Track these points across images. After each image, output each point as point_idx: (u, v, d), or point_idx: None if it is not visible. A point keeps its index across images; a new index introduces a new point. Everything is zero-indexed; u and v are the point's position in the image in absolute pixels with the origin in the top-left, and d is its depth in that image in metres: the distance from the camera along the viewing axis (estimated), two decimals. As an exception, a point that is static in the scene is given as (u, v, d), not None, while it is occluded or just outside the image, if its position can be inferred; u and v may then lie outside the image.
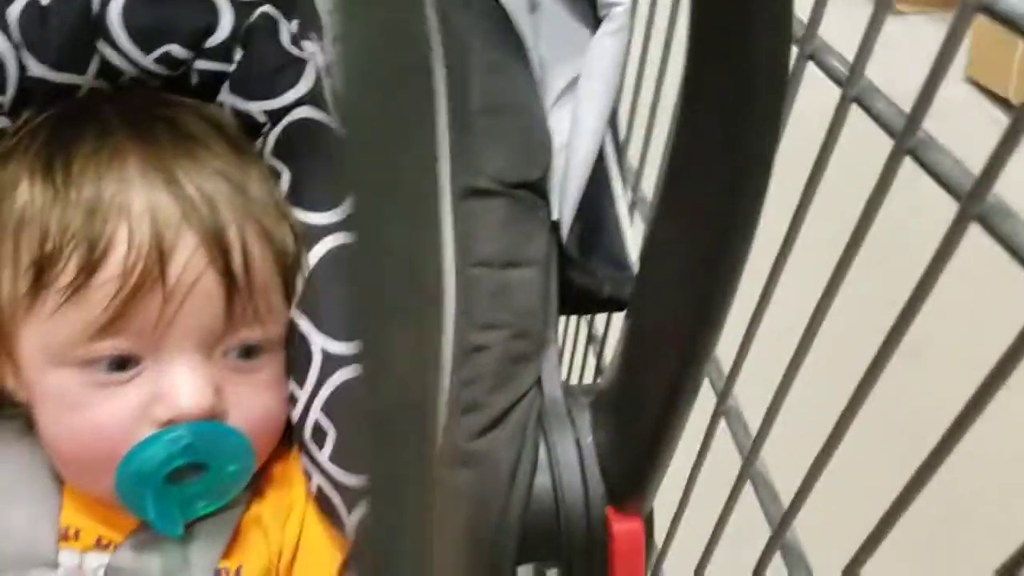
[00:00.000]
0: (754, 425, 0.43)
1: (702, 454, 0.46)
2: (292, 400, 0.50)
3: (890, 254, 0.59)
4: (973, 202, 0.27)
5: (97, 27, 0.48)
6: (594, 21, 0.50)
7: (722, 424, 0.46)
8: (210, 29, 0.50)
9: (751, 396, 0.45)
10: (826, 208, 0.40)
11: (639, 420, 0.45)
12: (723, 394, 0.45)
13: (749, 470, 0.41)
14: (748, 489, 0.43)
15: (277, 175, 0.51)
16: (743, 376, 0.44)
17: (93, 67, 0.50)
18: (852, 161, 0.44)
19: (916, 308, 0.31)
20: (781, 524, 0.38)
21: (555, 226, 0.50)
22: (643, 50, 0.58)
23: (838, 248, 0.36)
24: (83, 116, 0.48)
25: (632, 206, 0.61)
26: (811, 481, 0.36)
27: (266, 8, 0.51)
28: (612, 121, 0.53)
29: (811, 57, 0.36)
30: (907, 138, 0.30)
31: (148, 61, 0.50)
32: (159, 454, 0.43)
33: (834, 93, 0.36)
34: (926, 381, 0.84)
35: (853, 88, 0.33)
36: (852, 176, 0.48)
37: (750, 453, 0.41)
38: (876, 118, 0.31)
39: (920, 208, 0.61)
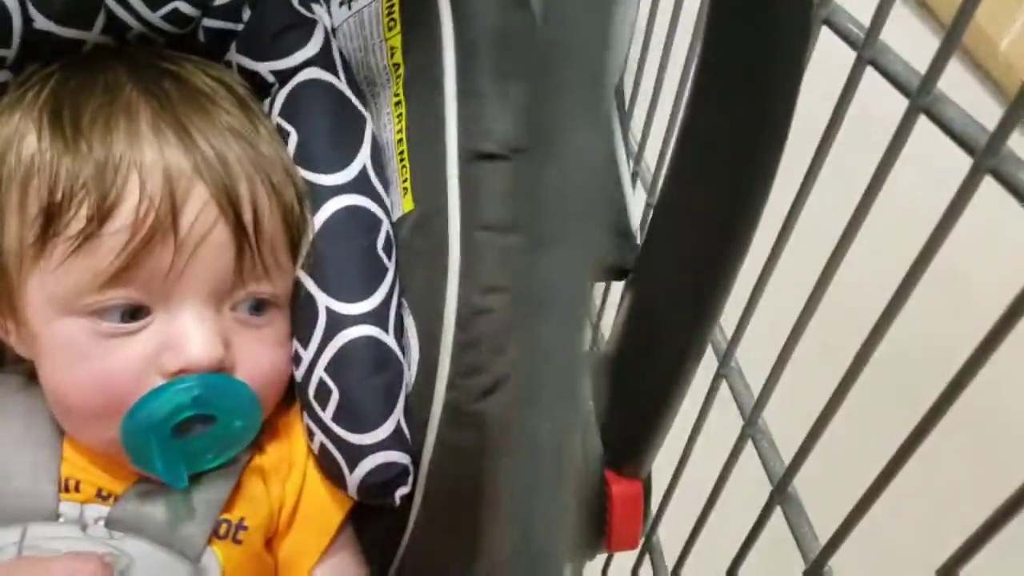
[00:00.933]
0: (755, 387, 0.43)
1: (702, 416, 0.46)
2: (296, 359, 0.50)
3: (899, 213, 0.59)
4: (987, 156, 0.27)
5: None
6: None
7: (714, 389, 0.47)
8: None
9: (751, 359, 0.46)
10: (835, 171, 0.41)
11: (641, 385, 0.45)
12: (725, 356, 0.46)
13: (752, 429, 0.42)
14: (748, 452, 0.43)
15: (285, 135, 0.51)
16: (744, 338, 0.45)
17: (99, 22, 0.49)
18: (859, 125, 0.45)
19: (925, 265, 0.32)
20: (783, 479, 0.39)
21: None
22: (648, 22, 0.58)
23: (846, 210, 0.37)
24: (90, 69, 0.48)
25: (633, 176, 0.61)
26: (813, 439, 0.37)
27: None
28: (617, 91, 0.53)
29: (826, 21, 0.37)
30: (922, 96, 0.30)
31: (155, 17, 0.50)
32: (167, 404, 0.43)
33: (840, 57, 0.36)
34: (928, 342, 0.85)
35: (869, 50, 0.33)
36: (861, 139, 0.48)
37: (752, 412, 0.42)
38: (891, 78, 0.32)
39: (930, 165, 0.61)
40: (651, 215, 0.45)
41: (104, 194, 0.43)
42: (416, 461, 0.50)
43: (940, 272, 0.34)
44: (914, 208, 0.61)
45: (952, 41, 0.29)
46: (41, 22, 0.48)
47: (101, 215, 0.43)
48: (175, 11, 0.50)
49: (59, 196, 0.43)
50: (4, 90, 0.49)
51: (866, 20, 0.34)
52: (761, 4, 0.35)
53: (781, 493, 0.39)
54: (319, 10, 0.53)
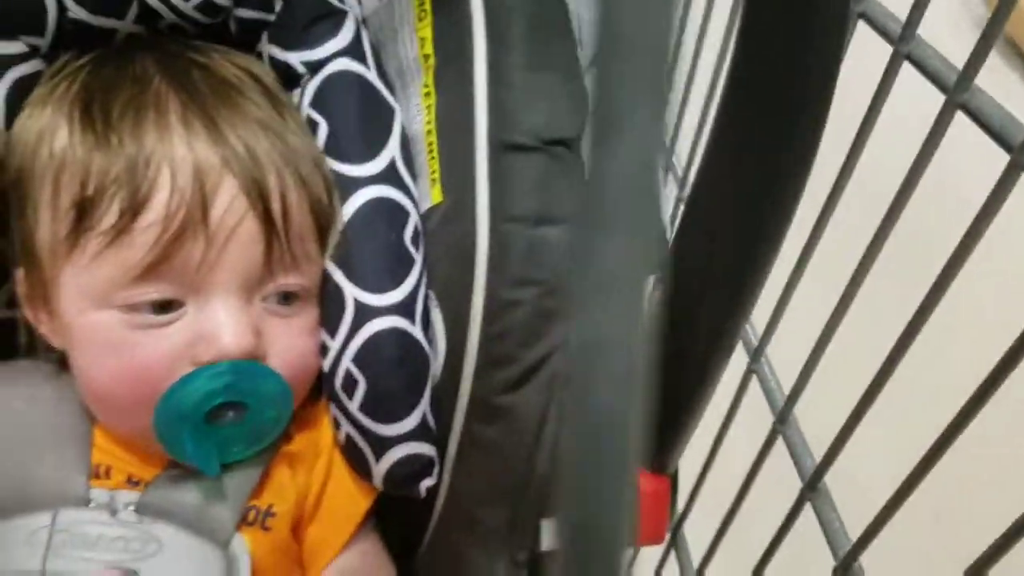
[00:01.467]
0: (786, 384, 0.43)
1: (732, 412, 0.46)
2: (323, 350, 0.50)
3: (933, 214, 0.58)
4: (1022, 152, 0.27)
5: None
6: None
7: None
8: None
9: (782, 355, 0.46)
10: (871, 167, 0.40)
11: (669, 381, 0.45)
12: (757, 351, 0.45)
13: (783, 426, 0.42)
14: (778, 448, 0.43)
15: (315, 126, 0.51)
16: (776, 334, 0.44)
17: (132, 11, 0.50)
18: (895, 124, 0.44)
19: (959, 266, 0.32)
20: (814, 475, 0.38)
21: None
22: (683, 16, 0.58)
23: (877, 209, 0.36)
24: (120, 61, 0.49)
25: (664, 170, 0.61)
26: (846, 435, 0.37)
27: None
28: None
29: (862, 15, 0.36)
30: (959, 92, 0.30)
31: (188, 7, 0.50)
32: (199, 391, 0.43)
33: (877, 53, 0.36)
34: (960, 344, 0.83)
35: (907, 45, 0.33)
36: (897, 135, 0.48)
37: (784, 408, 0.41)
38: (929, 74, 0.31)
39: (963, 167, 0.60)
40: (682, 210, 0.45)
41: (135, 189, 0.43)
42: (441, 453, 0.50)
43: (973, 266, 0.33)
44: (949, 203, 0.60)
45: (991, 34, 0.29)
46: (75, 10, 0.48)
47: (133, 210, 0.43)
48: (207, 0, 0.50)
49: (91, 191, 0.44)
50: (37, 80, 0.50)
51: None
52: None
53: (812, 489, 0.39)
54: (350, 0, 0.53)
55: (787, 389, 0.42)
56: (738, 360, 0.45)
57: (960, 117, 0.31)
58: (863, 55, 0.39)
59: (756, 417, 0.45)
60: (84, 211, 0.44)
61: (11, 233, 0.49)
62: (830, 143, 0.37)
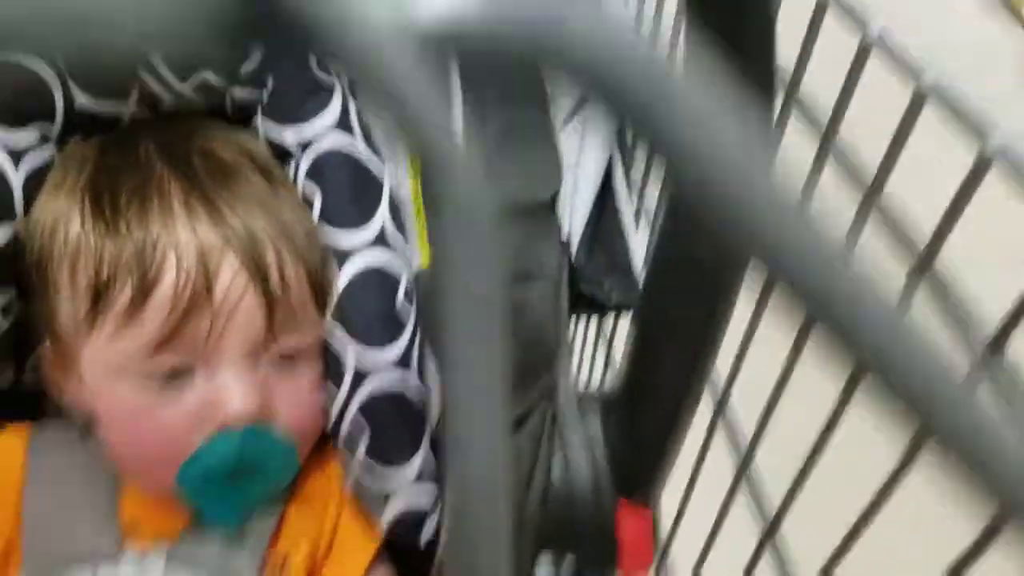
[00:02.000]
0: (751, 420, 0.47)
1: (702, 456, 0.50)
2: (329, 401, 0.54)
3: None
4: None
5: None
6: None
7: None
8: (243, 56, 0.53)
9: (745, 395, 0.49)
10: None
11: (647, 417, 0.49)
12: (720, 403, 0.49)
13: (744, 472, 0.45)
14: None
15: (310, 197, 0.54)
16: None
17: (134, 95, 0.53)
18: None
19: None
20: (771, 525, 0.42)
21: (565, 244, 0.54)
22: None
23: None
24: (125, 148, 0.52)
25: (636, 214, 0.64)
26: (800, 482, 0.41)
27: None
28: (619, 133, 0.56)
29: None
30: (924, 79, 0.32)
31: (186, 89, 0.54)
32: (214, 459, 0.48)
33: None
34: None
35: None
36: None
37: (744, 458, 0.45)
38: (898, 60, 0.33)
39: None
40: (652, 253, 0.49)
41: (144, 273, 0.47)
42: (442, 497, 0.54)
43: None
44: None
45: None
46: (81, 99, 0.52)
47: (143, 292, 0.47)
48: (204, 82, 0.54)
49: (104, 276, 0.48)
50: (51, 167, 0.53)
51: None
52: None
53: (770, 538, 0.43)
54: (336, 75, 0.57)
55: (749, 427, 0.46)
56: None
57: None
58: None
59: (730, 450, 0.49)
60: (99, 294, 0.48)
61: (35, 309, 0.53)
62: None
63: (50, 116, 0.52)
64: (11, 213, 0.51)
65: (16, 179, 0.52)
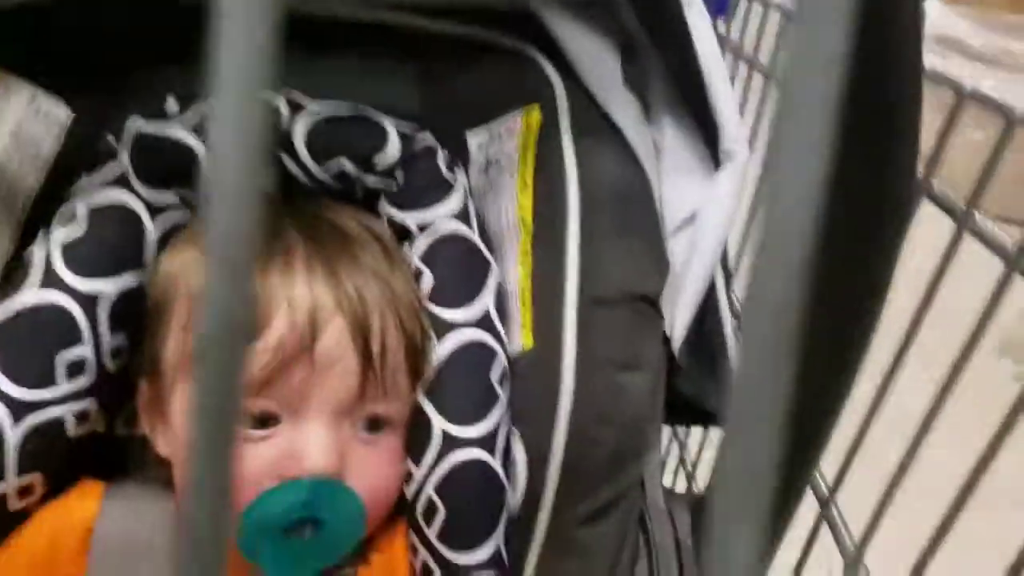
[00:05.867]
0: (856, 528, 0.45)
1: (804, 559, 0.48)
2: (408, 478, 0.54)
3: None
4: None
5: (282, 140, 0.56)
6: (713, 163, 0.56)
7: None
8: (378, 150, 0.57)
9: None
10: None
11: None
12: (827, 501, 0.48)
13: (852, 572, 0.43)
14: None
15: (420, 275, 0.57)
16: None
17: (272, 175, 0.57)
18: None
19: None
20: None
21: (666, 339, 0.55)
22: (757, 188, 0.64)
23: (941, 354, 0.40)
24: None
25: (737, 329, 0.65)
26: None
27: (426, 137, 0.59)
28: (723, 251, 0.58)
29: (929, 195, 0.41)
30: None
31: (322, 174, 0.57)
32: (281, 505, 0.47)
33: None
34: None
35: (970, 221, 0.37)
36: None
37: (855, 556, 0.43)
38: (989, 244, 0.35)
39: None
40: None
41: (256, 319, 0.49)
42: (514, 584, 0.52)
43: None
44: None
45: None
46: None
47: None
48: (341, 171, 0.57)
49: None
50: (184, 227, 0.57)
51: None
52: (872, 175, 0.39)
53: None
54: (460, 174, 0.60)
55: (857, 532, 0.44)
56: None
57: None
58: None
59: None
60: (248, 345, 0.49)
61: (143, 350, 0.54)
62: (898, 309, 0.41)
63: (192, 182, 0.56)
64: (142, 262, 0.54)
65: (152, 231, 0.55)
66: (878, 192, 0.37)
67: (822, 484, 0.49)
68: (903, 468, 0.41)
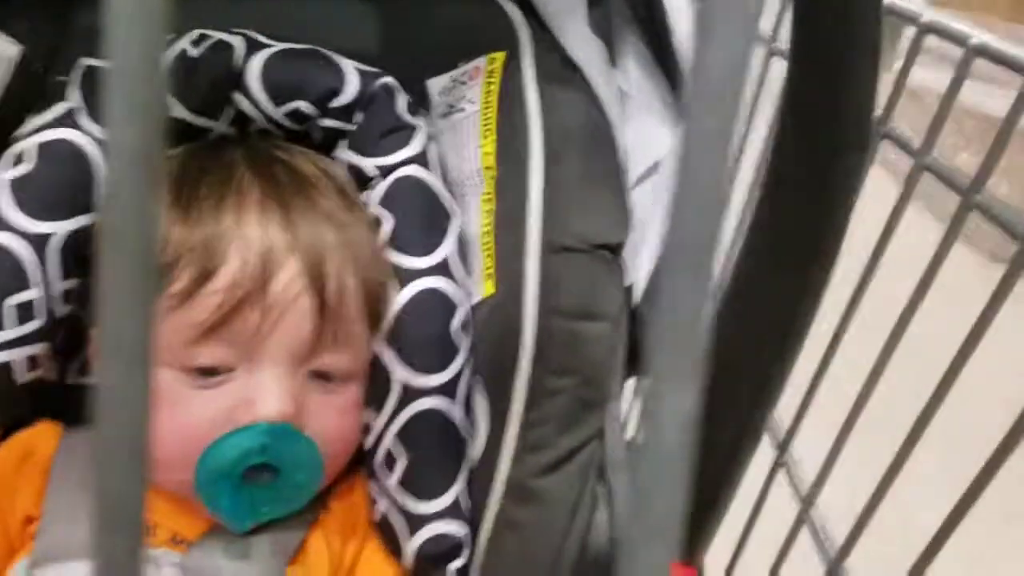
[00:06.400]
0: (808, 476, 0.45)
1: (759, 506, 0.48)
2: (367, 428, 0.53)
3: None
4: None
5: (238, 80, 0.55)
6: (677, 114, 0.55)
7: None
8: (337, 91, 0.56)
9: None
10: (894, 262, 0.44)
11: (698, 473, 0.47)
12: (783, 445, 0.48)
13: (806, 515, 0.43)
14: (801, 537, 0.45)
15: (380, 222, 0.56)
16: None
17: (228, 115, 0.56)
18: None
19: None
20: (835, 562, 0.40)
21: (628, 289, 0.54)
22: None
23: (898, 307, 0.40)
24: (212, 151, 0.54)
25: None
26: (863, 523, 0.39)
27: (387, 78, 0.58)
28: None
29: (886, 135, 0.41)
30: (973, 194, 0.34)
31: (278, 114, 0.56)
32: (238, 449, 0.46)
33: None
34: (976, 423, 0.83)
35: (923, 158, 0.37)
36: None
37: (806, 499, 0.43)
38: (946, 179, 0.36)
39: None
40: (715, 313, 0.49)
41: (207, 259, 0.48)
42: (474, 535, 0.52)
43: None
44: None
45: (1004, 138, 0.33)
46: (177, 110, 0.54)
47: (203, 276, 0.47)
48: (296, 110, 0.56)
49: (169, 257, 0.48)
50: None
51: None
52: (828, 117, 0.39)
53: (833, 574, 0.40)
54: (421, 119, 0.59)
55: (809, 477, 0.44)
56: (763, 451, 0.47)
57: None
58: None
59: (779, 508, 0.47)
60: (160, 275, 0.48)
61: (95, 295, 0.53)
62: (855, 248, 0.41)
63: None
64: (93, 202, 0.53)
65: (103, 171, 0.54)
66: (836, 130, 0.36)
67: (778, 430, 0.49)
68: (855, 414, 0.41)
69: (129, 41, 0.13)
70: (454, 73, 0.60)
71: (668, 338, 0.15)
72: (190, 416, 0.48)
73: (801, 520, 0.44)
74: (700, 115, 0.14)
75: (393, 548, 0.52)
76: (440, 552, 0.51)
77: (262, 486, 0.48)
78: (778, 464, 0.48)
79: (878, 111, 0.40)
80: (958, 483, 0.36)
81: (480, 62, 0.59)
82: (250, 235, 0.49)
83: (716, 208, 0.15)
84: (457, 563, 0.51)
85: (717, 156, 0.14)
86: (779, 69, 0.39)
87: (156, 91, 0.14)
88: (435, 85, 0.62)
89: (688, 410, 0.15)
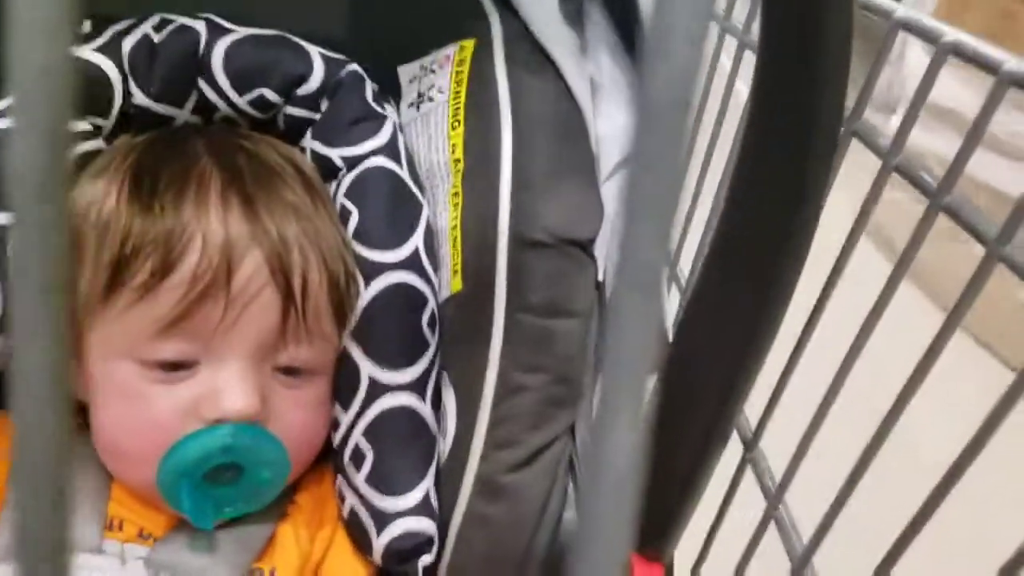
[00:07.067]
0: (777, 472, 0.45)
1: (727, 502, 0.48)
2: (335, 424, 0.53)
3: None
4: (1000, 242, 0.30)
5: (201, 65, 0.53)
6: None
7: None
8: (302, 79, 0.55)
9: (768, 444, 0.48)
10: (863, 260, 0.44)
11: (668, 469, 0.47)
12: (751, 442, 0.47)
13: (774, 512, 0.43)
14: (767, 538, 0.45)
15: (347, 214, 0.55)
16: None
17: (191, 102, 0.54)
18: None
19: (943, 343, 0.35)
20: (801, 560, 0.40)
21: (599, 286, 0.54)
22: (691, 136, 0.63)
23: (866, 305, 0.40)
24: (173, 140, 0.53)
25: (669, 279, 0.64)
26: (830, 520, 0.39)
27: (354, 66, 0.57)
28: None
29: (855, 133, 0.40)
30: (941, 196, 0.34)
31: (242, 101, 0.55)
32: (199, 451, 0.46)
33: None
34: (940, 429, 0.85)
35: (895, 157, 0.37)
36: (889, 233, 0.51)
37: (775, 496, 0.43)
38: (914, 182, 0.35)
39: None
40: (682, 313, 0.48)
41: (168, 251, 0.47)
42: (444, 531, 0.51)
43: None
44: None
45: (971, 143, 0.33)
46: (139, 97, 0.53)
47: (163, 270, 0.46)
48: (261, 97, 0.55)
49: (128, 250, 0.47)
50: (96, 155, 0.54)
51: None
52: (796, 120, 0.39)
53: (799, 573, 0.40)
54: (389, 108, 0.58)
55: (778, 475, 0.44)
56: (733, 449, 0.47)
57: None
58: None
59: (748, 505, 0.47)
60: (120, 268, 0.47)
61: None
62: (824, 245, 0.41)
63: (106, 112, 0.53)
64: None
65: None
66: (806, 127, 0.36)
67: (746, 427, 0.49)
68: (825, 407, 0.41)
69: (31, 54, 0.13)
70: (424, 60, 0.59)
71: (616, 355, 0.14)
72: (153, 411, 0.47)
73: (769, 517, 0.44)
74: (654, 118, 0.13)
75: (362, 544, 0.51)
76: (409, 548, 0.50)
77: (226, 485, 0.47)
78: (745, 460, 0.48)
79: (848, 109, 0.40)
80: (929, 480, 0.36)
81: (450, 49, 0.58)
82: (211, 227, 0.48)
83: (668, 222, 0.14)
84: (426, 559, 0.51)
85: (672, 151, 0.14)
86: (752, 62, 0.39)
87: (59, 111, 0.13)
88: (405, 72, 0.61)
89: (637, 417, 0.15)
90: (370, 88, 0.57)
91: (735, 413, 0.46)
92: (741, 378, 0.45)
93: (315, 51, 0.55)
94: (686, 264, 0.61)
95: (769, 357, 0.43)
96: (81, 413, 0.51)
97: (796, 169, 0.39)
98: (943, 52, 0.36)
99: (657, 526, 0.48)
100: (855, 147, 0.41)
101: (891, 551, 0.36)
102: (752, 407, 0.46)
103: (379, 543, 0.50)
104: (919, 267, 0.38)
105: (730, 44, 0.61)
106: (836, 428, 0.43)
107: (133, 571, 0.47)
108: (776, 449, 0.47)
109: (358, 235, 0.54)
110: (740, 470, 0.48)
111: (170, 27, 0.53)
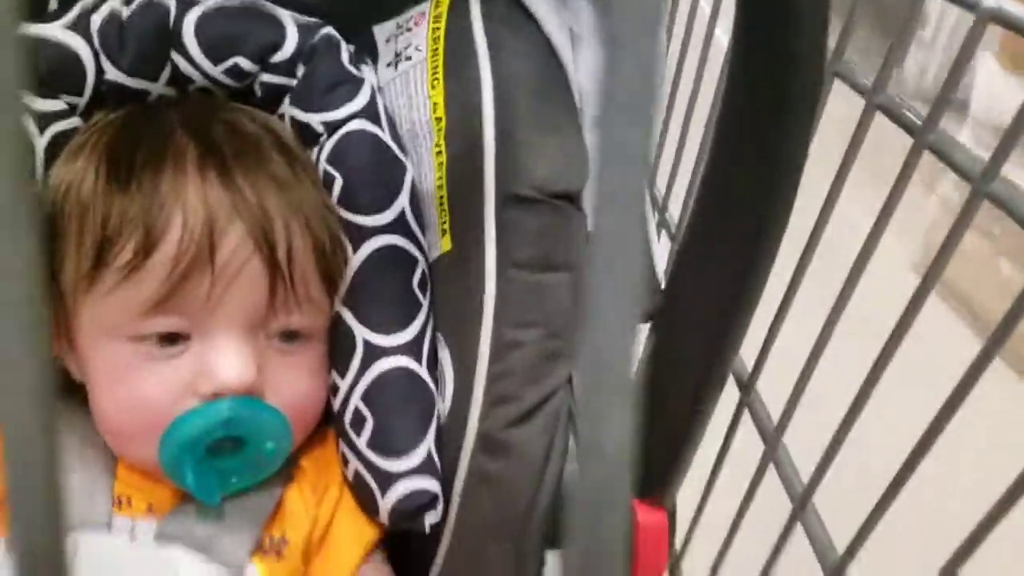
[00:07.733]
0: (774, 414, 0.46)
1: (726, 445, 0.48)
2: (334, 389, 0.53)
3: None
4: (984, 181, 0.30)
5: (172, 38, 0.52)
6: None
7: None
8: (276, 46, 0.54)
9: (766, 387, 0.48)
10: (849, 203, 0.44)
11: (666, 416, 0.48)
12: (747, 386, 0.48)
13: (773, 455, 0.44)
14: (765, 484, 0.45)
15: (330, 180, 0.54)
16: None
17: (165, 75, 0.54)
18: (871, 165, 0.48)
19: (929, 289, 0.35)
20: (803, 498, 0.41)
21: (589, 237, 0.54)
22: (674, 81, 0.62)
23: (857, 244, 0.40)
24: (148, 116, 0.52)
25: (659, 226, 0.64)
26: (830, 458, 0.39)
27: (328, 30, 0.56)
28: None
29: (837, 74, 0.40)
30: (927, 132, 0.34)
31: (216, 71, 0.54)
32: (199, 426, 0.46)
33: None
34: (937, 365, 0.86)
35: (878, 96, 0.37)
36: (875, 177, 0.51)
37: (773, 437, 0.44)
38: (896, 118, 0.35)
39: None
40: (674, 260, 0.48)
41: (149, 229, 0.46)
42: (448, 489, 0.52)
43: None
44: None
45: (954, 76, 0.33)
46: (112, 73, 0.52)
47: (146, 248, 0.46)
48: (235, 66, 0.54)
49: (110, 231, 0.47)
50: (73, 134, 0.53)
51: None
52: (779, 59, 0.38)
53: (802, 509, 0.41)
54: (367, 70, 0.57)
55: (775, 417, 0.45)
56: (729, 394, 0.47)
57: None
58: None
59: (747, 454, 0.48)
60: (103, 249, 0.47)
61: None
62: (813, 184, 0.40)
63: (79, 89, 0.52)
64: (31, 175, 0.51)
65: (40, 143, 0.52)
66: (787, 72, 0.36)
67: (743, 370, 0.49)
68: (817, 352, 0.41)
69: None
70: (399, 18, 0.58)
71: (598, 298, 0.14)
72: (148, 389, 0.47)
73: (767, 459, 0.45)
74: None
75: (368, 506, 0.52)
76: (415, 508, 0.51)
77: (228, 457, 0.48)
78: (743, 403, 0.48)
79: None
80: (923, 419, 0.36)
81: (425, 6, 0.57)
82: (190, 201, 0.47)
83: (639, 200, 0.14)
84: (432, 516, 0.51)
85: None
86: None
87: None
88: (381, 32, 0.60)
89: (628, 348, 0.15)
90: (346, 51, 0.56)
91: (730, 358, 0.47)
92: (734, 322, 0.45)
93: (288, 16, 0.55)
94: (675, 210, 0.60)
95: (765, 298, 0.43)
96: (83, 393, 0.51)
97: (778, 110, 0.39)
98: (982, 20, 0.35)
99: (658, 473, 0.49)
100: (878, 124, 0.40)
101: (887, 490, 0.36)
102: (747, 350, 0.46)
103: (385, 504, 0.51)
104: (902, 213, 0.38)
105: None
106: (832, 373, 0.43)
107: (144, 546, 0.47)
108: (773, 393, 0.48)
109: (343, 200, 0.54)
110: (738, 413, 0.48)
111: (138, 0, 0.52)
